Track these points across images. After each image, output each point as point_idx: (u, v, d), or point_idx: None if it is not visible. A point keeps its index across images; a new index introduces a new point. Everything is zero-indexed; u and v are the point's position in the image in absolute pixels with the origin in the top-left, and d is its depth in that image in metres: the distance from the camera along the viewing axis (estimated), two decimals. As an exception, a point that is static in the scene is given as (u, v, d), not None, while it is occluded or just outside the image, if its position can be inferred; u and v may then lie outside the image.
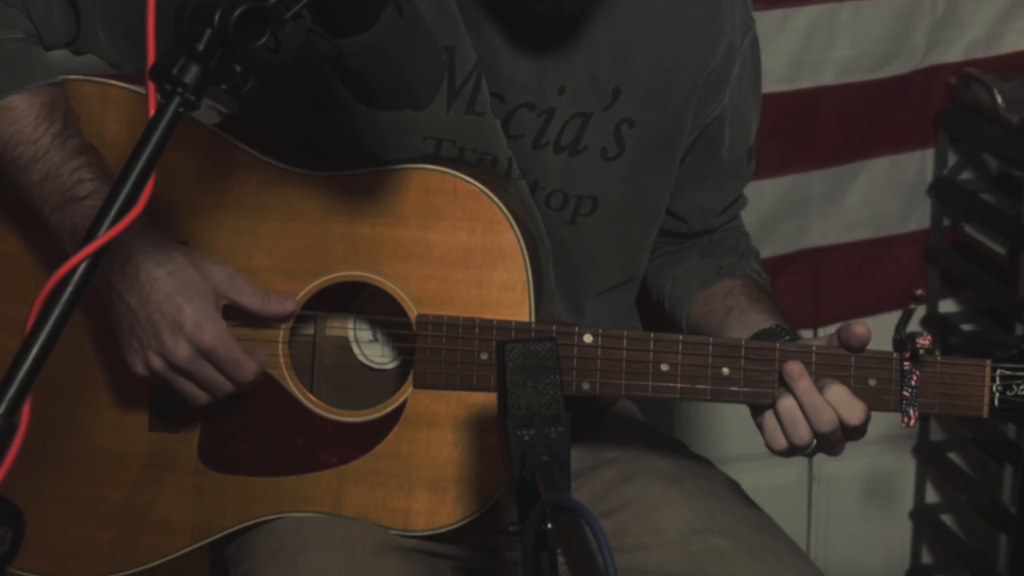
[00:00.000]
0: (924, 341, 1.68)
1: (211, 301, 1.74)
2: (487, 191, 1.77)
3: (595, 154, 1.89)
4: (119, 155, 1.75)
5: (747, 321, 1.87)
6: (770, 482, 2.62)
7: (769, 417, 1.73)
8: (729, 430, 2.89)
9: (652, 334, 1.76)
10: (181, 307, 1.72)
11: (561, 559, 1.29)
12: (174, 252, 1.75)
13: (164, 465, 1.86)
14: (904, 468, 3.09)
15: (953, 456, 3.07)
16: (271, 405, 1.83)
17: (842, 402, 1.68)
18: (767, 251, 2.15)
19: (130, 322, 1.73)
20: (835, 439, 1.71)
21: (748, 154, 2.02)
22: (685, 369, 1.75)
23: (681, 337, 1.75)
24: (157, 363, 1.73)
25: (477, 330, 1.77)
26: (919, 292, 1.64)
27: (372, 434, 1.81)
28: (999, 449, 2.84)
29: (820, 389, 1.69)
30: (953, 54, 2.86)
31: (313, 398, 1.82)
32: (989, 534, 2.98)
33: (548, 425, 1.42)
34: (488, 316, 1.76)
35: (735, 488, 1.97)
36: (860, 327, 1.70)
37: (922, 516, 3.10)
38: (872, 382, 1.72)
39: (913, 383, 1.69)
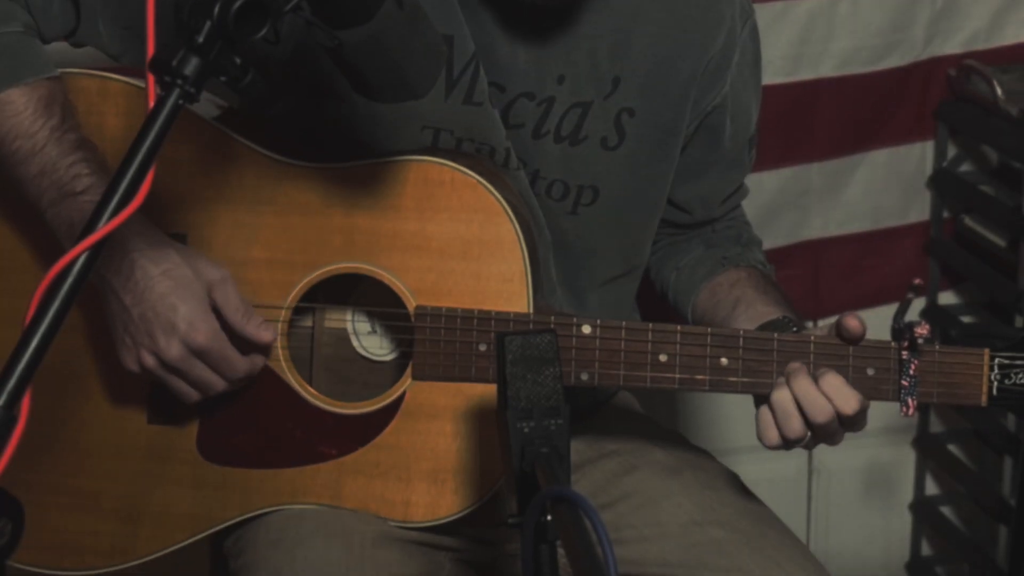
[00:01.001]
0: (922, 330, 1.68)
1: (205, 300, 1.74)
2: (485, 182, 1.77)
3: (595, 144, 1.89)
4: (118, 148, 1.75)
5: (754, 313, 1.87)
6: (769, 474, 2.62)
7: (763, 411, 1.73)
8: (729, 422, 2.89)
9: (650, 324, 1.76)
10: (175, 306, 1.72)
11: (560, 551, 1.29)
12: (169, 250, 1.74)
13: (163, 458, 1.86)
14: (904, 460, 3.09)
15: (953, 448, 3.07)
16: (270, 397, 1.83)
17: (837, 391, 1.68)
18: (767, 243, 2.15)
19: (124, 320, 1.73)
20: (832, 430, 1.71)
21: (749, 143, 2.02)
22: (683, 360, 1.75)
23: (679, 327, 1.75)
24: (150, 361, 1.73)
25: (475, 321, 1.77)
26: (917, 282, 1.65)
27: (371, 426, 1.81)
28: (999, 441, 2.84)
29: (816, 378, 1.69)
30: (953, 46, 2.86)
31: (312, 390, 1.82)
32: (989, 526, 2.98)
33: (548, 417, 1.42)
34: (486, 307, 1.76)
35: (734, 480, 1.97)
36: (853, 321, 1.70)
37: (922, 508, 3.10)
38: (870, 371, 1.72)
39: (911, 372, 1.70)
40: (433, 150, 1.83)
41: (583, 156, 1.89)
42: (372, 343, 1.88)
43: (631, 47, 1.87)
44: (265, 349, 1.79)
